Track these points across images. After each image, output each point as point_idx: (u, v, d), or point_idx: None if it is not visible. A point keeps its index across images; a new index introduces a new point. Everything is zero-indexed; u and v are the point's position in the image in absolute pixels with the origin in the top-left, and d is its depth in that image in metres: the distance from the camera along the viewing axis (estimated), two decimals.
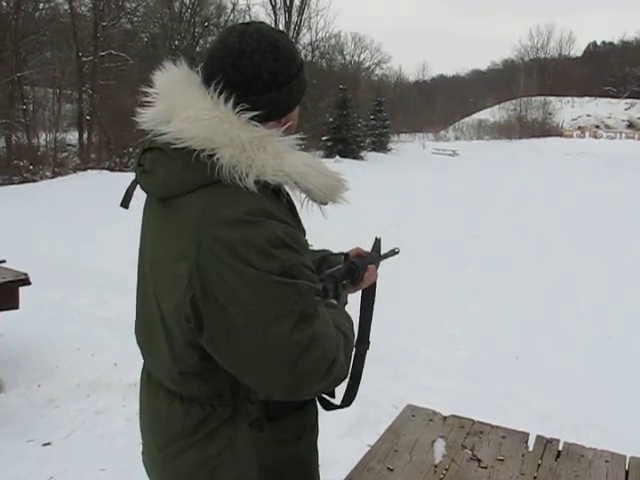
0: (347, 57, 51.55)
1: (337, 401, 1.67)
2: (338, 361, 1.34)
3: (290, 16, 39.60)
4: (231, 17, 33.43)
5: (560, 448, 1.81)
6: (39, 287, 4.91)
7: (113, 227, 8.54)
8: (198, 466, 1.45)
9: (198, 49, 30.62)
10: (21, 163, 19.28)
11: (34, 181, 18.16)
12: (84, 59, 24.34)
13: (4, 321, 4.42)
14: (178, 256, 1.32)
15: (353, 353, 1.52)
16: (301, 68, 1.46)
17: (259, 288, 1.25)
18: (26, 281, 4.11)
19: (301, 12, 40.06)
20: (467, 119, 58.18)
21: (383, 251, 1.93)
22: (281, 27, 38.92)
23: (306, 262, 1.34)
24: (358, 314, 1.84)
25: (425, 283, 7.87)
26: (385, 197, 15.98)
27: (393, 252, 2.01)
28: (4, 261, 4.34)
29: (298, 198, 1.40)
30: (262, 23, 1.46)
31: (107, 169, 20.86)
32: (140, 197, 1.52)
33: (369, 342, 1.80)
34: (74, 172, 20.25)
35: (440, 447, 1.70)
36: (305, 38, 43.21)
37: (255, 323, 1.26)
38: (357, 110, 34.20)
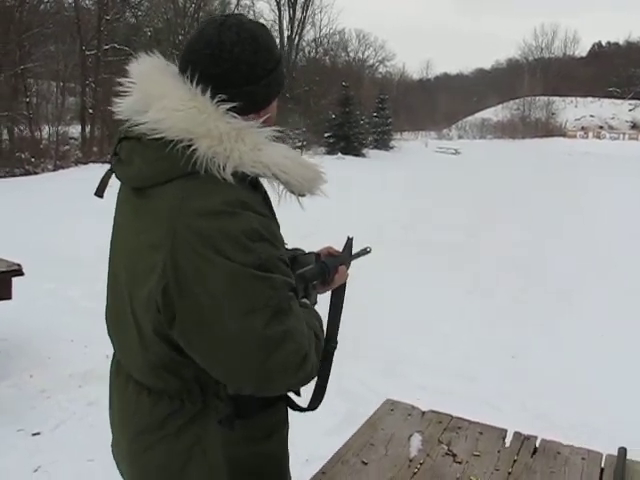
0: (351, 54, 51.59)
1: (303, 401, 1.67)
2: (310, 357, 1.34)
3: (294, 12, 39.61)
4: (234, 12, 33.31)
5: (537, 445, 1.82)
6: (34, 278, 4.93)
7: (111, 221, 8.54)
8: (167, 462, 1.44)
9: None
10: (23, 155, 19.32)
11: (36, 173, 18.21)
12: (87, 52, 24.33)
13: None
14: (152, 246, 1.31)
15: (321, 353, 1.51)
16: (280, 61, 1.46)
17: (233, 281, 1.24)
18: (19, 272, 4.12)
19: (305, 8, 40.07)
20: (470, 118, 58.14)
21: (354, 250, 1.93)
22: (285, 23, 39.01)
23: (281, 256, 1.34)
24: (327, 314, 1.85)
25: (420, 281, 7.88)
26: (385, 194, 16.00)
27: (364, 251, 2.00)
28: None
29: (276, 190, 1.40)
30: (241, 15, 1.45)
31: (109, 162, 20.78)
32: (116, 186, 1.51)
33: (337, 342, 1.78)
34: (76, 165, 20.29)
35: (416, 442, 1.70)
36: (309, 34, 43.26)
37: (228, 316, 1.25)
38: (360, 107, 34.16)
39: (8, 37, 21.76)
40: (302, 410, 1.69)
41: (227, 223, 1.26)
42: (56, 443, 3.53)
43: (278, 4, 39.67)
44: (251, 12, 37.62)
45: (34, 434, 3.61)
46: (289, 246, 1.81)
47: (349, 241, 1.85)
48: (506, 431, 1.87)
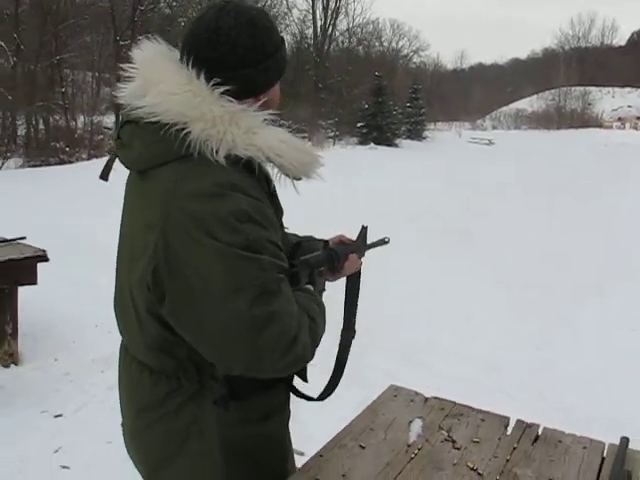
0: (385, 44, 51.31)
1: (311, 391, 1.69)
2: (300, 340, 1.34)
3: (328, 1, 39.44)
4: (268, 2, 33.39)
5: (539, 433, 1.82)
6: (61, 265, 5.03)
7: None
8: (166, 438, 1.48)
9: None
10: (58, 145, 19.62)
11: (70, 162, 18.47)
12: (122, 43, 24.58)
13: (26, 297, 4.53)
14: (148, 227, 1.35)
15: (322, 336, 1.51)
16: (280, 46, 1.48)
17: (220, 260, 1.27)
18: (44, 257, 4.20)
19: None
20: (505, 108, 57.49)
21: (371, 240, 1.93)
22: (319, 13, 38.85)
23: (272, 238, 1.35)
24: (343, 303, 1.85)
25: (450, 270, 7.86)
26: (417, 182, 15.92)
27: (382, 241, 2.00)
28: (24, 238, 4.44)
29: (271, 173, 1.43)
30: (242, 0, 1.48)
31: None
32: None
33: (355, 330, 1.81)
34: (109, 154, 20.50)
35: (417, 427, 1.70)
36: (342, 24, 43.06)
37: (214, 295, 1.27)
38: (393, 97, 34.01)
39: (45, 28, 22.10)
40: (308, 399, 1.72)
41: (217, 205, 1.28)
42: (77, 425, 3.60)
43: None
44: (284, 2, 37.60)
45: (56, 416, 3.70)
46: (303, 233, 1.83)
47: (363, 230, 1.85)
48: (509, 419, 1.86)
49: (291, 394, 1.67)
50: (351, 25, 43.05)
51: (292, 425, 3.84)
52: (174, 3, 30.44)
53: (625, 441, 1.70)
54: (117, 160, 1.50)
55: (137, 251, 1.39)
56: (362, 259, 1.83)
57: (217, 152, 1.33)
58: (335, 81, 35.37)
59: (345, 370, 1.78)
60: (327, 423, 3.60)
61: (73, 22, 23.31)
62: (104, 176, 1.56)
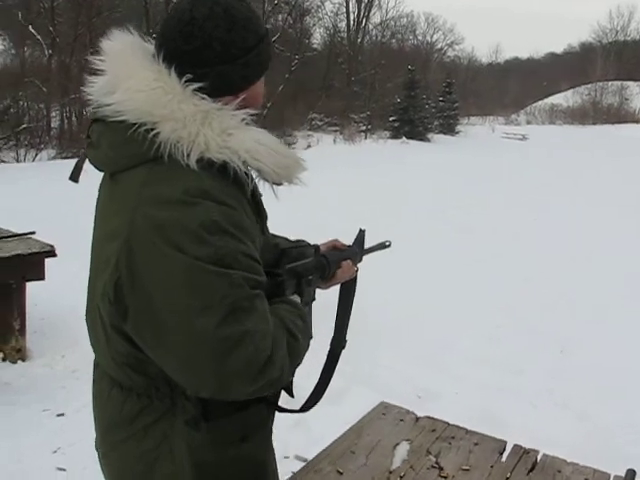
0: (419, 37, 50.88)
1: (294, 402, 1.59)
2: (274, 360, 1.23)
3: None
4: None
5: (538, 459, 1.67)
6: (72, 260, 4.98)
7: None
8: (136, 458, 1.39)
9: (268, 26, 30.62)
10: None
11: None
12: (154, 36, 24.65)
13: (38, 292, 4.50)
14: (112, 235, 1.26)
15: (305, 353, 1.41)
16: (262, 40, 1.36)
17: (186, 275, 1.17)
18: (52, 253, 4.16)
19: None
20: (539, 103, 56.59)
21: (370, 244, 1.83)
22: (352, 6, 38.62)
23: (246, 250, 1.23)
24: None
25: (474, 267, 7.70)
26: (448, 177, 15.72)
27: (382, 245, 1.91)
28: (34, 232, 4.40)
29: (250, 177, 1.31)
30: None
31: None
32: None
33: (345, 341, 1.73)
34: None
35: (402, 451, 1.58)
36: (375, 17, 42.79)
37: (179, 314, 1.17)
38: (426, 91, 33.71)
39: (79, 21, 22.31)
40: (289, 411, 1.61)
41: (184, 214, 1.18)
42: (78, 425, 3.53)
43: None
44: None
45: (58, 415, 3.66)
46: (295, 238, 1.72)
47: (361, 233, 1.77)
48: (505, 443, 1.73)
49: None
50: (384, 18, 42.80)
51: (297, 430, 3.75)
52: None
53: (632, 474, 1.56)
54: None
55: (102, 261, 1.30)
56: (359, 264, 1.75)
57: (189, 155, 1.22)
58: (368, 74, 35.14)
59: (331, 383, 1.70)
60: (335, 428, 3.50)
61: (107, 15, 23.46)
62: (74, 177, 1.48)
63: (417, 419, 1.80)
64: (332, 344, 1.72)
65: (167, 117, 1.24)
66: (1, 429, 3.48)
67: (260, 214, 1.40)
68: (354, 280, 1.72)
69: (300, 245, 1.63)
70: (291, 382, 1.53)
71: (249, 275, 1.22)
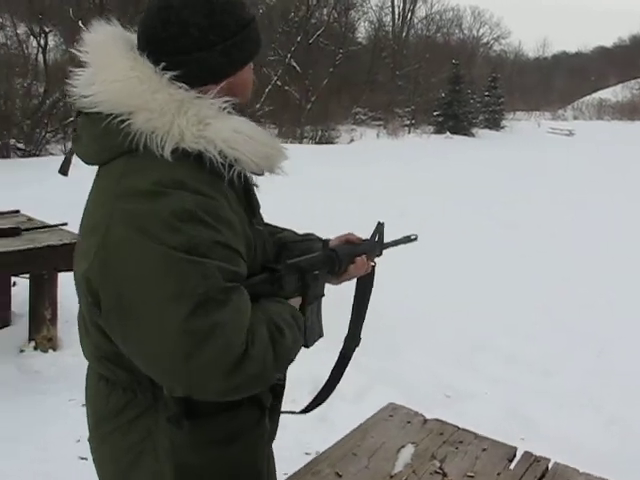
0: (465, 32, 50.28)
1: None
2: (251, 356, 1.18)
3: None
4: None
5: (548, 469, 1.61)
6: None
7: None
8: (122, 452, 1.38)
9: (313, 21, 30.64)
10: None
11: None
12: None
13: (69, 282, 4.55)
14: (94, 227, 1.25)
15: (297, 349, 1.36)
16: (246, 26, 1.32)
17: (158, 263, 1.14)
18: None
19: None
20: (587, 98, 55.45)
21: (394, 237, 1.76)
22: (397, 0, 38.36)
23: (223, 240, 1.20)
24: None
25: (509, 264, 7.56)
26: (492, 172, 15.51)
27: (407, 239, 1.83)
28: (66, 224, 4.45)
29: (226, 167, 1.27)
30: None
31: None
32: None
33: (360, 338, 1.68)
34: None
35: (406, 455, 1.53)
36: (420, 11, 42.43)
37: (148, 303, 1.14)
38: (471, 86, 33.32)
39: (128, 16, 22.60)
40: (288, 413, 1.58)
41: (157, 204, 1.17)
42: None
43: None
44: None
45: (83, 405, 3.67)
46: (303, 231, 1.67)
47: (379, 227, 1.69)
48: (515, 450, 1.66)
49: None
50: (429, 12, 42.43)
51: (320, 427, 3.70)
52: None
53: None
54: None
55: (82, 251, 1.29)
56: (378, 258, 1.69)
57: (163, 146, 1.20)
58: (412, 69, 34.88)
59: (356, 380, 1.65)
60: (357, 424, 3.48)
61: None
62: (63, 170, 1.47)
63: (425, 421, 1.75)
64: (345, 342, 1.68)
65: (141, 107, 1.22)
66: (30, 417, 3.53)
67: (250, 204, 1.38)
68: (371, 276, 1.67)
69: (306, 239, 1.59)
70: (284, 379, 1.50)
71: (225, 265, 1.18)
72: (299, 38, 28.69)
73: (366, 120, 32.02)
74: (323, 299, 1.55)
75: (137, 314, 1.16)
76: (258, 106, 25.08)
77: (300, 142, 24.63)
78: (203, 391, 1.19)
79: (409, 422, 1.74)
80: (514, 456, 1.64)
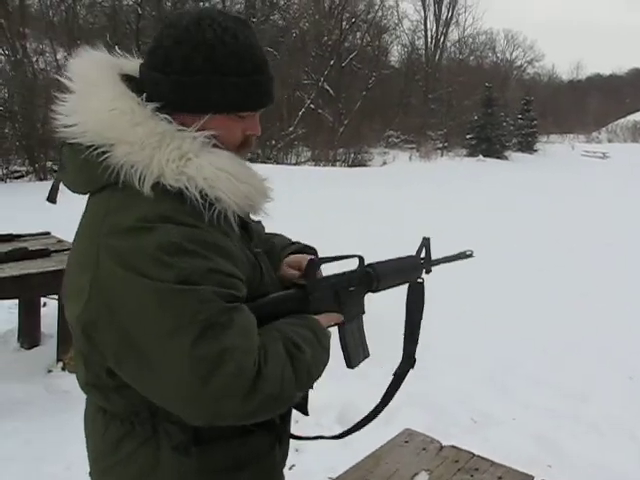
0: (498, 54, 50.23)
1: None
2: (267, 377, 1.16)
3: (440, 11, 39.03)
4: (379, 13, 33.40)
5: None
6: None
7: None
8: None
9: (346, 44, 30.91)
10: None
11: None
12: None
13: None
14: (83, 265, 1.22)
15: (321, 366, 1.32)
16: (250, 75, 1.28)
17: (154, 298, 1.12)
18: None
19: (451, 8, 39.42)
20: (622, 120, 54.83)
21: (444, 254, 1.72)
22: (429, 23, 38.52)
23: (215, 267, 1.17)
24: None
25: (539, 284, 7.48)
26: (525, 195, 15.38)
27: (463, 255, 1.77)
28: None
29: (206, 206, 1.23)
30: (220, 10, 1.35)
31: (248, 160, 21.14)
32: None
33: (414, 359, 1.63)
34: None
35: None
36: (453, 34, 42.58)
37: (154, 338, 1.13)
38: (505, 109, 33.19)
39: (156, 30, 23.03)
40: (304, 439, 1.54)
41: (142, 240, 1.14)
42: None
43: (423, 4, 39.22)
44: (395, 12, 37.46)
45: None
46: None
47: (425, 242, 1.65)
48: (532, 478, 1.63)
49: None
50: (462, 35, 42.53)
51: (343, 448, 3.66)
52: (288, 14, 30.96)
53: None
54: None
55: (73, 289, 1.26)
56: (426, 275, 1.65)
57: (143, 181, 1.18)
58: (445, 92, 34.89)
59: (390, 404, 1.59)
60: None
61: None
62: (51, 198, 1.49)
63: (441, 448, 1.72)
64: (400, 363, 1.62)
65: (121, 140, 1.20)
66: (57, 437, 3.54)
67: (246, 231, 1.36)
68: (420, 293, 1.62)
69: (340, 257, 1.52)
70: (306, 398, 1.45)
71: (221, 290, 1.16)
72: (332, 62, 28.92)
73: (399, 143, 32.07)
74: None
75: (146, 351, 1.14)
76: (291, 129, 25.31)
77: (333, 165, 24.76)
78: (223, 417, 1.16)
79: (424, 449, 1.71)
80: None
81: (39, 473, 3.25)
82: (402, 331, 1.64)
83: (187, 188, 1.19)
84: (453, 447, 1.73)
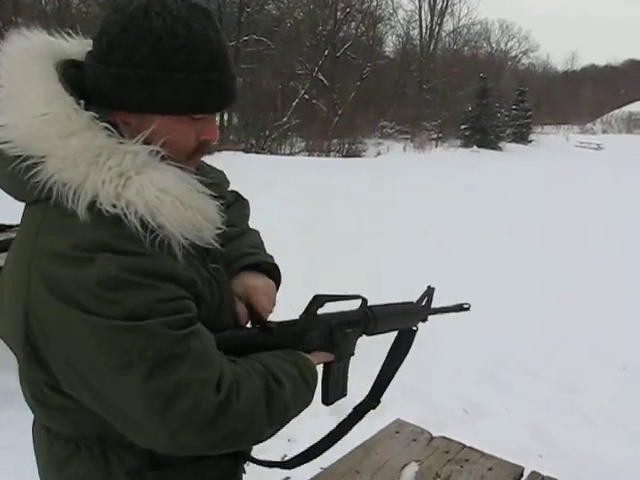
0: (493, 45, 50.18)
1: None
2: (230, 412, 1.08)
3: (435, 1, 38.94)
4: (374, 3, 33.28)
5: None
6: None
7: None
8: None
9: (340, 34, 30.80)
10: None
11: None
12: (229, 44, 25.11)
13: None
14: (14, 283, 1.12)
15: (303, 405, 1.25)
16: (173, 70, 1.09)
17: (97, 336, 1.02)
18: None
19: None
20: (616, 111, 54.85)
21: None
22: (424, 13, 38.44)
23: (163, 296, 1.06)
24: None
25: (531, 277, 7.50)
26: (518, 185, 15.40)
27: (459, 307, 1.78)
28: None
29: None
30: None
31: (242, 151, 21.44)
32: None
33: (378, 402, 1.58)
34: (210, 154, 20.95)
35: (410, 473, 1.52)
36: (448, 25, 42.50)
37: (103, 376, 1.04)
38: (499, 100, 33.14)
39: None
40: (265, 465, 1.47)
41: (78, 271, 1.02)
42: None
43: None
44: (389, 2, 37.38)
45: None
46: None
47: (428, 291, 1.65)
48: (522, 469, 1.64)
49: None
50: (457, 26, 42.48)
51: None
52: (282, 4, 30.82)
53: None
54: None
55: (5, 305, 1.15)
56: (422, 324, 1.63)
57: (77, 202, 1.04)
58: (439, 82, 34.83)
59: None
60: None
61: None
62: None
63: (431, 439, 1.73)
64: (364, 400, 1.57)
65: (51, 153, 1.05)
66: None
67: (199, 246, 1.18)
68: (410, 340, 1.60)
69: (343, 296, 1.44)
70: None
71: (171, 318, 1.05)
72: (327, 52, 28.81)
73: (393, 134, 32.03)
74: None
75: (96, 385, 1.06)
76: (285, 119, 25.24)
77: (327, 155, 24.71)
78: (185, 449, 1.10)
79: (414, 440, 1.72)
80: (521, 475, 1.62)
81: (34, 464, 3.25)
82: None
83: (126, 215, 1.06)
84: (444, 438, 1.74)
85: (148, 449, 1.14)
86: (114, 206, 1.05)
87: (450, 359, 4.93)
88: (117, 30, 1.09)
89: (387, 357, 1.59)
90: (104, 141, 1.07)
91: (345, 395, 1.47)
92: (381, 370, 1.58)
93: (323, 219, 9.11)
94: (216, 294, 1.21)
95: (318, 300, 1.34)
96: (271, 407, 1.14)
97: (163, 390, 1.03)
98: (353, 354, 1.45)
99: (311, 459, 1.48)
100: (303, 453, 1.48)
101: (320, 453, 1.48)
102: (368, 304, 1.48)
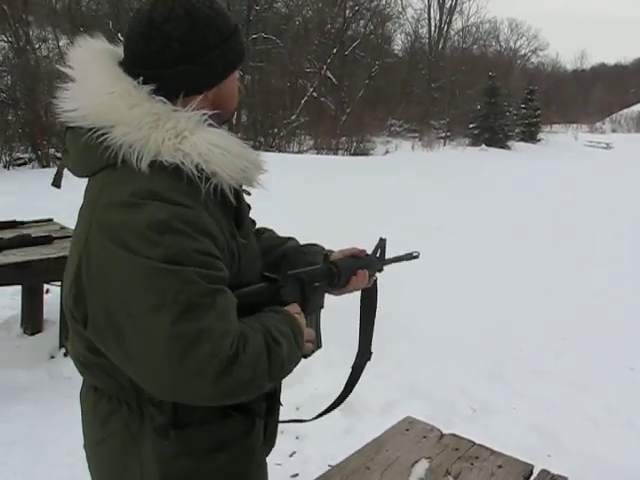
0: (502, 44, 50.01)
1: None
2: (241, 363, 1.19)
3: (444, 0, 38.84)
4: (383, 2, 33.21)
5: None
6: None
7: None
8: (108, 463, 1.40)
9: (349, 33, 30.76)
10: None
11: None
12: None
13: None
14: (76, 241, 1.30)
15: (295, 361, 1.37)
16: (228, 38, 1.35)
17: (138, 275, 1.16)
18: None
19: None
20: (626, 111, 54.59)
21: (395, 254, 1.80)
22: (433, 12, 38.34)
23: (200, 247, 1.22)
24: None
25: (541, 277, 7.48)
26: (526, 184, 15.37)
27: (409, 256, 1.85)
28: None
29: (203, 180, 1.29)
30: None
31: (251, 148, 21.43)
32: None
33: (371, 353, 1.70)
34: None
35: (420, 470, 1.53)
36: (457, 23, 42.39)
37: (134, 314, 1.17)
38: (508, 99, 33.02)
39: None
40: (284, 422, 1.58)
41: (132, 215, 1.19)
42: None
43: None
44: (398, 1, 37.29)
45: None
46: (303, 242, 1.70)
47: (380, 242, 1.72)
48: (532, 467, 1.64)
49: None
50: (466, 24, 42.35)
51: (344, 437, 3.67)
52: (291, 2, 30.79)
53: None
54: None
55: (68, 267, 1.32)
56: (379, 274, 1.72)
57: (141, 159, 1.23)
58: (448, 81, 34.74)
59: (385, 393, 1.64)
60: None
61: None
62: (56, 183, 1.55)
63: (441, 436, 1.73)
64: (356, 357, 1.69)
65: (119, 121, 1.25)
66: (59, 422, 3.58)
67: (236, 216, 1.40)
68: (373, 290, 1.69)
69: (309, 250, 1.63)
70: (279, 390, 1.51)
71: (205, 271, 1.20)
72: (335, 50, 28.78)
73: (401, 132, 31.98)
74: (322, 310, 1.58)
75: (125, 325, 1.18)
76: (294, 117, 25.24)
77: (335, 153, 24.69)
78: (193, 396, 1.20)
79: (425, 437, 1.72)
80: (531, 473, 1.61)
81: (42, 457, 3.29)
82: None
83: (183, 163, 1.24)
84: (454, 435, 1.74)
85: (173, 409, 1.29)
86: (173, 157, 1.24)
87: (457, 359, 4.93)
88: (185, 30, 1.29)
89: (361, 310, 1.70)
90: (161, 109, 1.27)
91: (320, 347, 1.55)
92: (361, 323, 1.70)
93: (331, 217, 9.11)
94: (235, 266, 1.35)
95: (289, 259, 1.57)
96: (271, 361, 1.25)
97: (186, 334, 1.14)
98: (323, 307, 1.57)
99: (325, 414, 1.61)
100: (325, 410, 1.62)
101: (333, 408, 1.63)
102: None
